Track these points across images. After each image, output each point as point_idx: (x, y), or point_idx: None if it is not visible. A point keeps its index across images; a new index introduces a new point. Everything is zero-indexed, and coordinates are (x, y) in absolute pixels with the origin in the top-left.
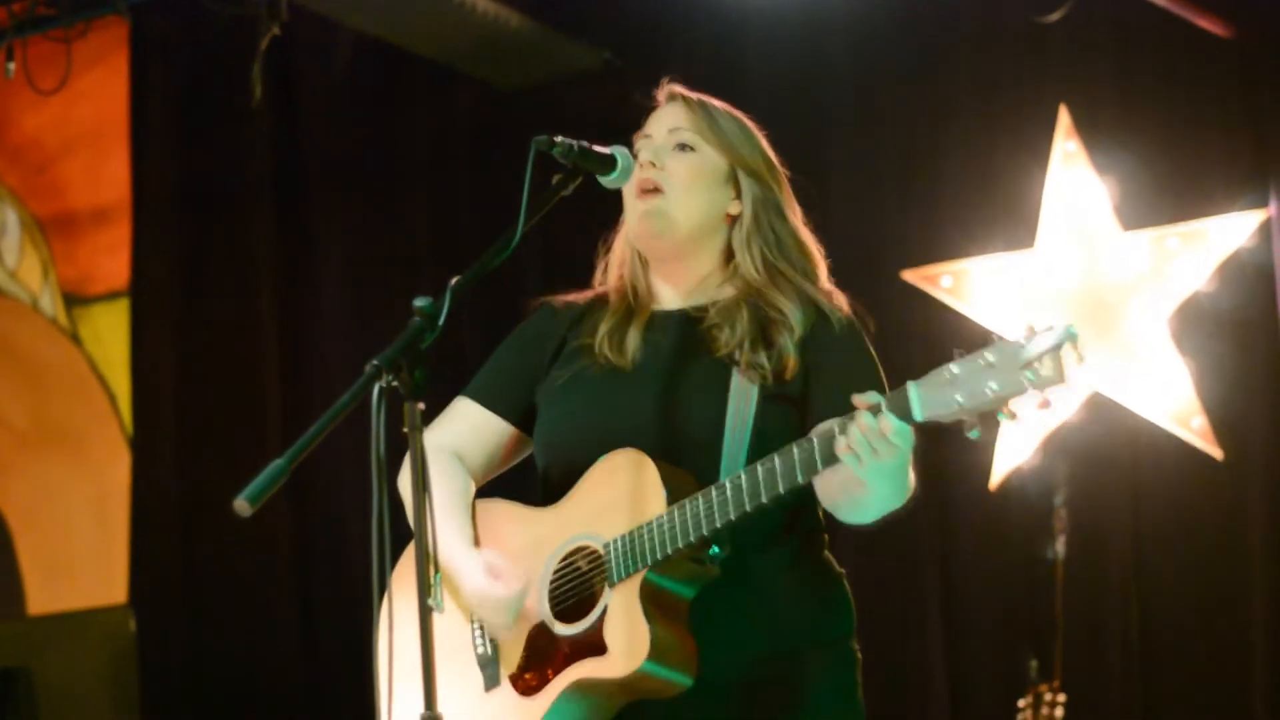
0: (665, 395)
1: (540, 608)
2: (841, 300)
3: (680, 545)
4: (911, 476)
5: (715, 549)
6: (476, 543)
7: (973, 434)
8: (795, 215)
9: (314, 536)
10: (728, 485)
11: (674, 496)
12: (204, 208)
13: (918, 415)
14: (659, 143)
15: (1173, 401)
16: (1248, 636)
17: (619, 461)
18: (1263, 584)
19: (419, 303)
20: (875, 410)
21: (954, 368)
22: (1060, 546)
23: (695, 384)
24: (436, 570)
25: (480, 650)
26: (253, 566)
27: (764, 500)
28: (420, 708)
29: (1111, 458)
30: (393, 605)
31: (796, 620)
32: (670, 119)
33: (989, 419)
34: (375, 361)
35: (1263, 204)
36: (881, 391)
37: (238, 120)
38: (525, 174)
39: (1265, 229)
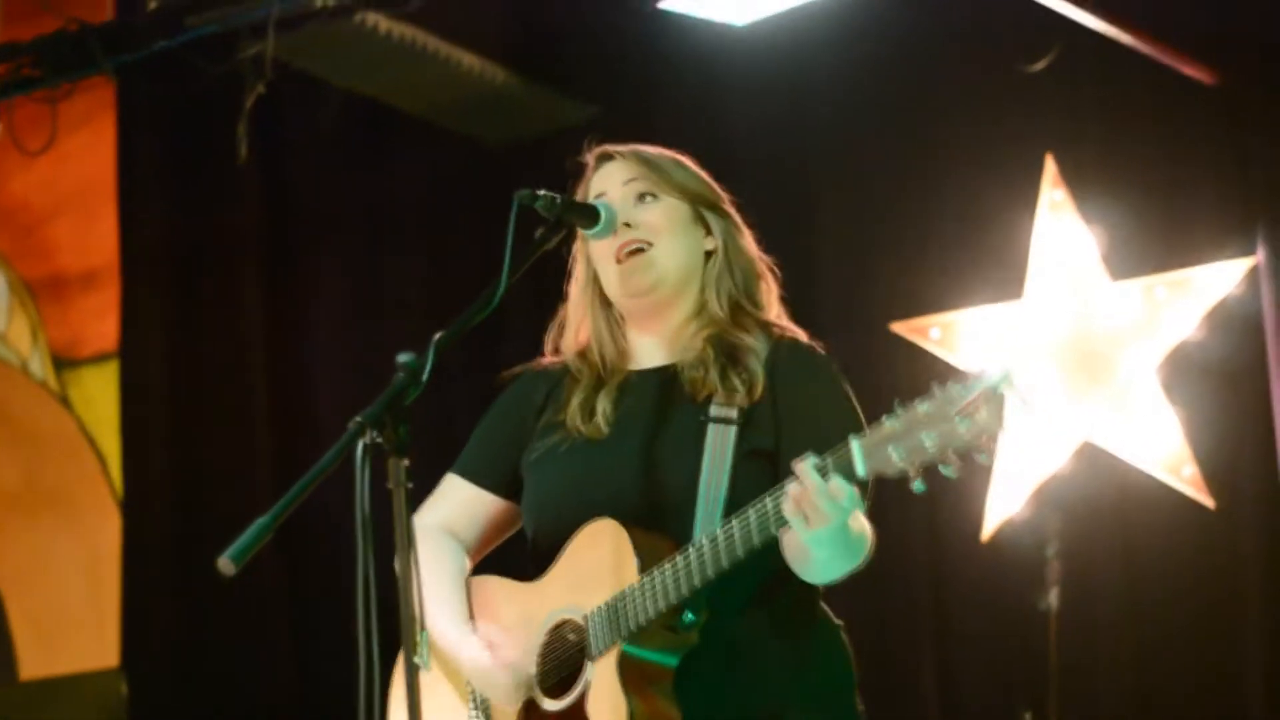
0: (641, 458)
1: (530, 684)
2: (811, 341)
3: (651, 615)
4: (868, 534)
5: (690, 615)
6: (472, 620)
7: (917, 486)
8: (746, 237)
9: (309, 597)
10: (691, 551)
11: (646, 564)
12: (192, 268)
13: (861, 472)
14: (618, 199)
15: (1163, 451)
16: (1243, 685)
17: (594, 531)
18: (1257, 632)
19: (402, 358)
20: (824, 471)
21: (892, 421)
22: (1053, 598)
23: (670, 444)
24: (422, 629)
25: None
26: (246, 628)
27: (726, 565)
28: None
29: (1103, 508)
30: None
31: (781, 680)
32: (617, 174)
33: (932, 470)
34: (359, 418)
35: (1250, 251)
36: (856, 422)
37: (225, 180)
38: (508, 227)
39: (1253, 276)
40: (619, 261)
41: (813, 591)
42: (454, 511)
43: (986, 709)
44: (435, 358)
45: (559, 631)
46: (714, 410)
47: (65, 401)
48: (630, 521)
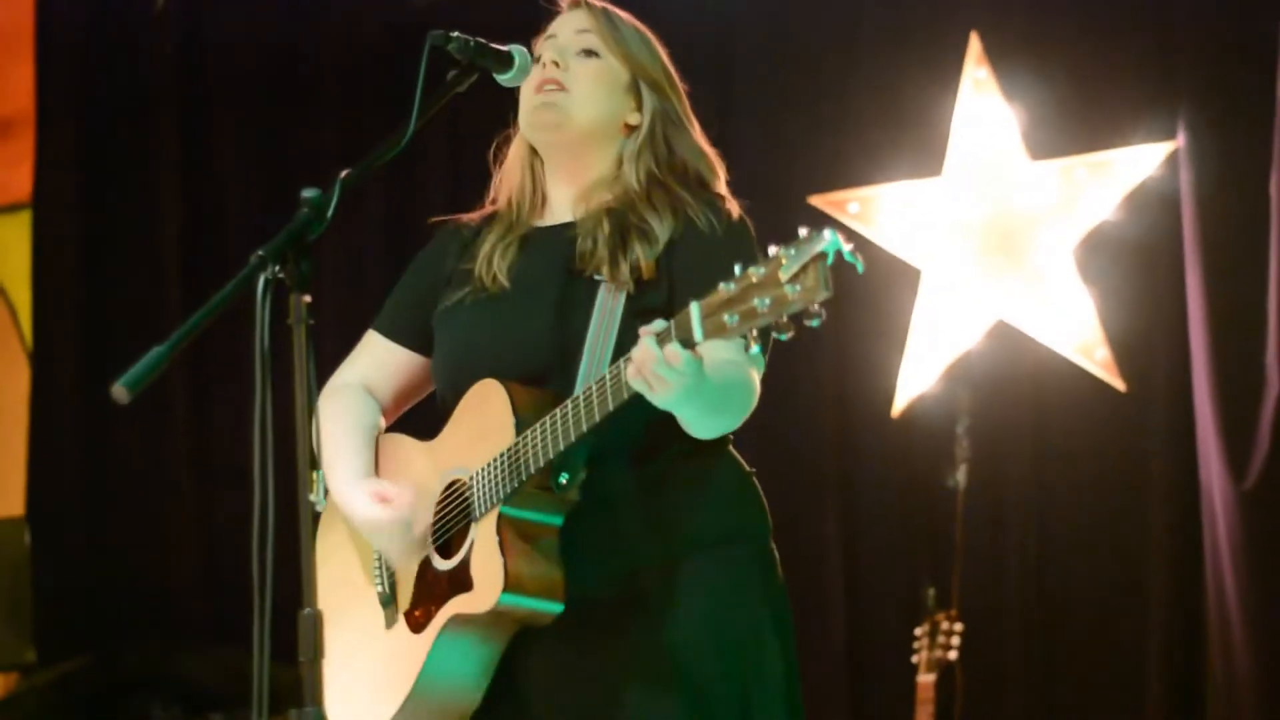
0: (532, 317)
1: (426, 542)
2: (727, 203)
3: (523, 476)
4: (745, 388)
5: (565, 475)
6: (376, 476)
7: (754, 351)
8: (694, 128)
9: (216, 449)
10: (565, 408)
11: (525, 424)
12: (108, 119)
13: (698, 336)
14: (563, 43)
15: (1077, 332)
16: (1146, 567)
17: (480, 391)
18: (1161, 515)
19: (307, 193)
20: (663, 338)
21: (728, 285)
22: (961, 475)
23: (562, 302)
24: (316, 468)
25: (380, 590)
26: (152, 481)
27: (586, 429)
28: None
29: (1014, 387)
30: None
31: (676, 525)
32: (575, 21)
33: (766, 334)
34: (260, 252)
35: (1171, 135)
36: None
37: (142, 28)
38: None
39: (1173, 160)
40: (536, 92)
41: (704, 447)
42: (370, 368)
43: (890, 584)
44: (340, 195)
45: (451, 491)
46: (602, 273)
47: None
48: (516, 380)
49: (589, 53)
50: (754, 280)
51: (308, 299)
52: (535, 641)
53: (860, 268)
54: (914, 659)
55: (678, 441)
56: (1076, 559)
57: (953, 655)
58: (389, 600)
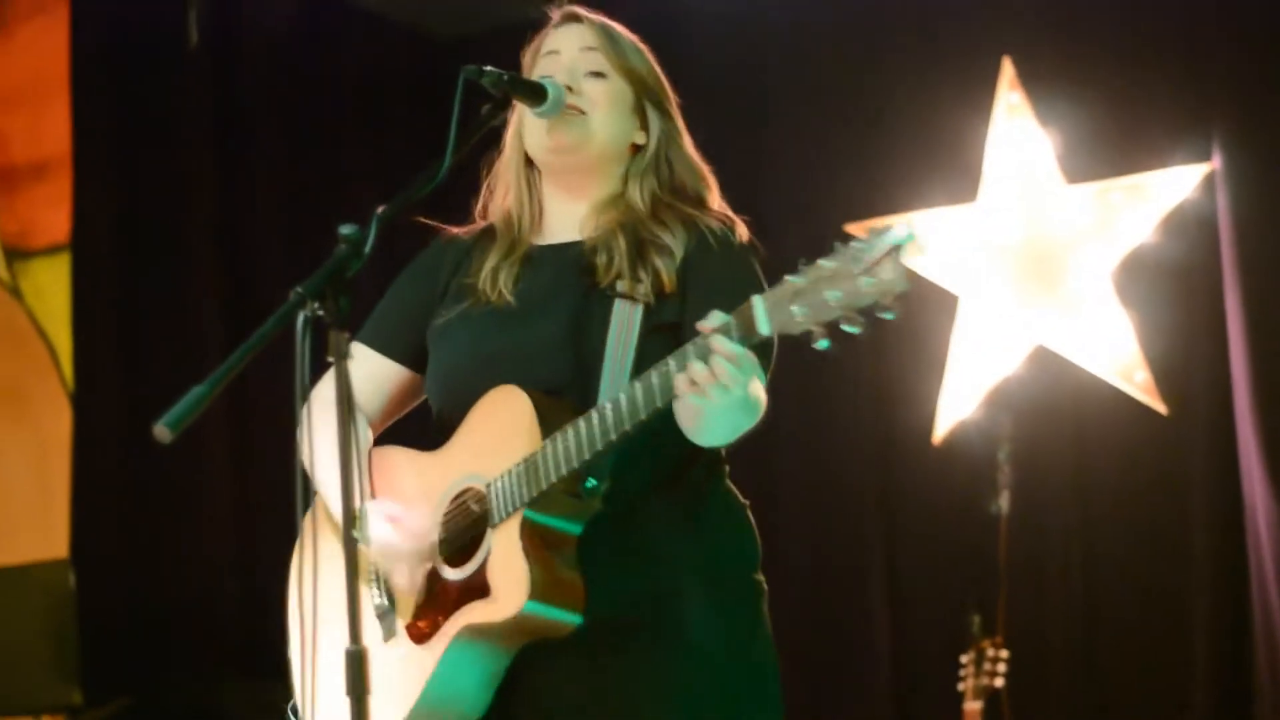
0: (549, 331)
1: (433, 554)
2: (736, 223)
3: (554, 479)
4: (762, 398)
5: (593, 480)
6: (373, 493)
7: (822, 344)
8: (688, 143)
9: (258, 489)
10: (594, 414)
11: (549, 429)
12: (144, 159)
13: (764, 330)
14: (570, 63)
15: (1116, 356)
16: (1190, 591)
17: (497, 398)
18: (1205, 538)
19: (345, 230)
20: (725, 332)
21: (795, 278)
22: (1004, 501)
23: (578, 317)
24: (361, 507)
25: (378, 602)
26: (195, 521)
27: (629, 426)
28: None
29: (1055, 412)
30: (315, 549)
31: (682, 555)
32: (578, 38)
33: (835, 329)
34: (299, 289)
35: (1206, 157)
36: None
37: (176, 68)
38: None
39: (1209, 182)
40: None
41: (716, 473)
42: (357, 382)
43: (935, 612)
44: (378, 231)
45: (461, 500)
46: (620, 287)
47: (16, 293)
48: (546, 393)
49: (597, 74)
50: (825, 273)
51: (347, 335)
52: (550, 659)
53: (920, 256)
54: (960, 686)
55: (687, 472)
56: (1121, 583)
57: (999, 682)
58: (388, 612)
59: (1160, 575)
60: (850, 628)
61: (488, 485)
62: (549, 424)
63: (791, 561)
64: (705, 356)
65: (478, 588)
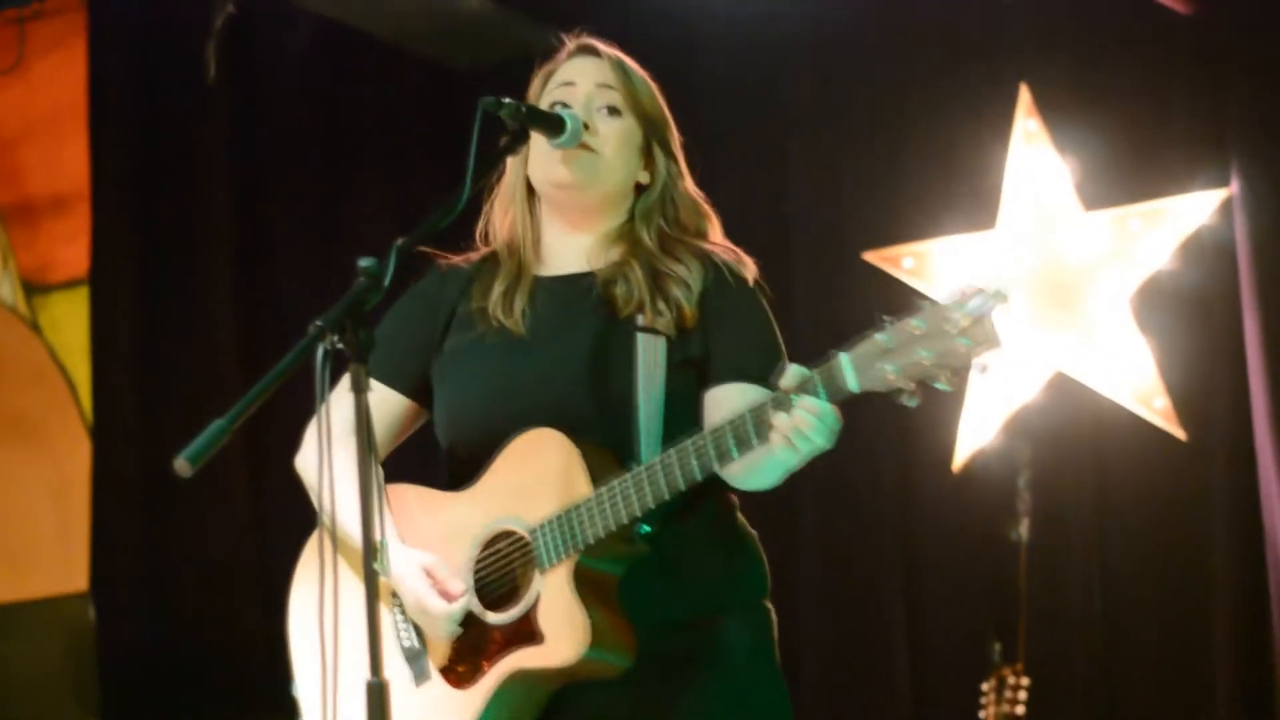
0: (571, 365)
1: (468, 597)
2: (746, 261)
3: (613, 526)
4: None
5: (645, 527)
6: (400, 538)
7: (911, 402)
8: (689, 180)
9: (277, 524)
10: (659, 465)
11: (597, 477)
12: (163, 193)
13: (853, 387)
14: (585, 97)
15: (1135, 382)
16: (1211, 618)
17: (535, 441)
18: (1225, 566)
19: (364, 263)
20: (809, 390)
21: (882, 337)
22: (1024, 528)
23: (601, 351)
24: (382, 541)
25: (406, 644)
26: (214, 554)
27: (699, 478)
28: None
29: (1075, 439)
30: (335, 580)
31: (710, 585)
32: (595, 73)
33: (924, 386)
34: (319, 322)
35: (1224, 182)
36: (776, 354)
37: (194, 102)
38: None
39: (1227, 207)
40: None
41: (730, 503)
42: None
43: (955, 640)
44: (397, 263)
45: (497, 543)
46: (641, 321)
47: (35, 327)
48: (567, 429)
49: (612, 111)
50: (916, 332)
51: (366, 368)
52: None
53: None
54: (981, 715)
55: (709, 500)
56: (1141, 610)
57: (1020, 710)
58: (417, 655)
59: (1181, 601)
60: (870, 655)
61: (531, 530)
62: (595, 469)
63: (811, 588)
64: (787, 410)
65: (526, 633)
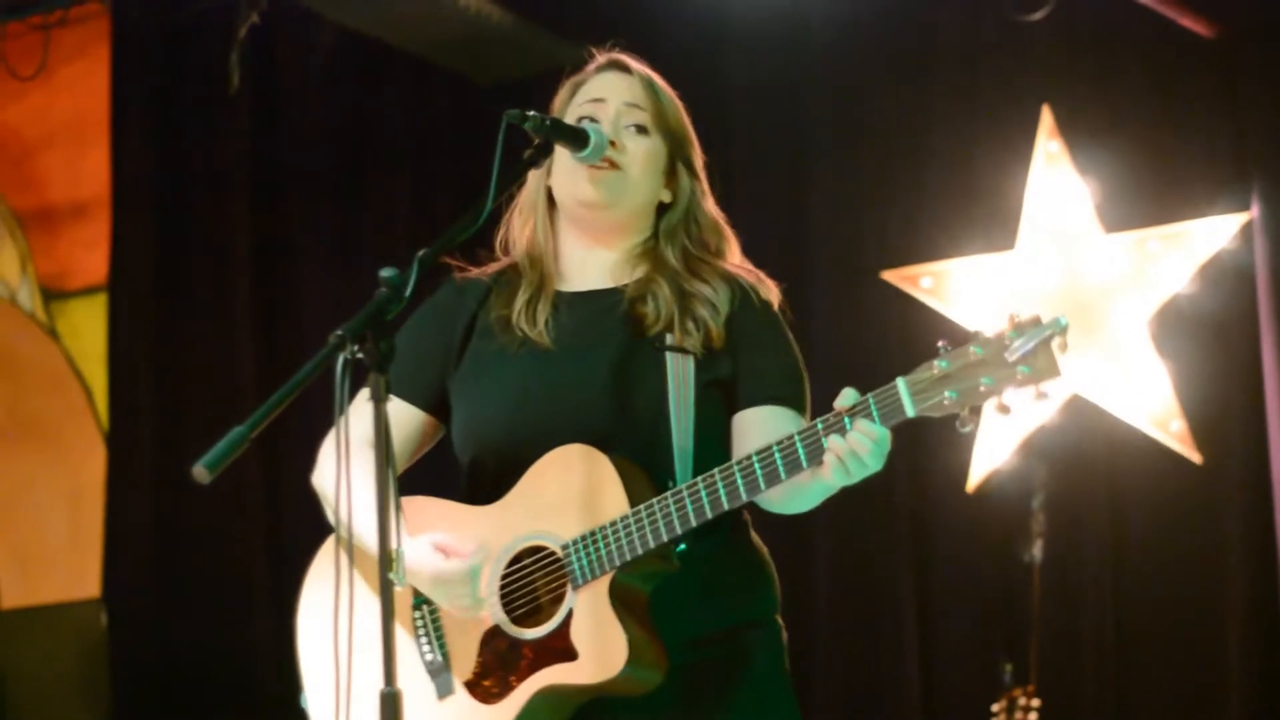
0: (598, 379)
1: (494, 611)
2: (769, 283)
3: (652, 546)
4: None
5: (682, 545)
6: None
7: (965, 429)
8: (710, 199)
9: (290, 531)
10: (701, 484)
11: (632, 494)
12: (183, 201)
13: (910, 412)
14: (614, 114)
15: (1152, 405)
16: (1224, 641)
17: (568, 458)
18: (1239, 589)
19: (385, 274)
20: (864, 412)
21: (942, 363)
22: (1038, 549)
23: (628, 367)
24: (398, 549)
25: (430, 658)
26: (226, 561)
27: (745, 499)
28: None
29: (1090, 461)
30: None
31: (730, 601)
32: (625, 90)
33: (978, 412)
34: (339, 332)
35: (1244, 206)
36: (801, 379)
37: (217, 111)
38: (496, 148)
39: (1247, 231)
40: (591, 166)
41: (747, 519)
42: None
43: (967, 660)
44: (418, 274)
45: (523, 559)
46: (670, 340)
47: (53, 333)
48: (594, 442)
49: (640, 129)
50: (973, 359)
51: (386, 378)
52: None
53: (1065, 350)
54: None
55: (727, 516)
56: (1154, 634)
57: None
58: (441, 670)
59: (1194, 625)
60: (882, 674)
61: (564, 545)
62: (630, 487)
63: (824, 608)
64: (842, 433)
65: (559, 649)
